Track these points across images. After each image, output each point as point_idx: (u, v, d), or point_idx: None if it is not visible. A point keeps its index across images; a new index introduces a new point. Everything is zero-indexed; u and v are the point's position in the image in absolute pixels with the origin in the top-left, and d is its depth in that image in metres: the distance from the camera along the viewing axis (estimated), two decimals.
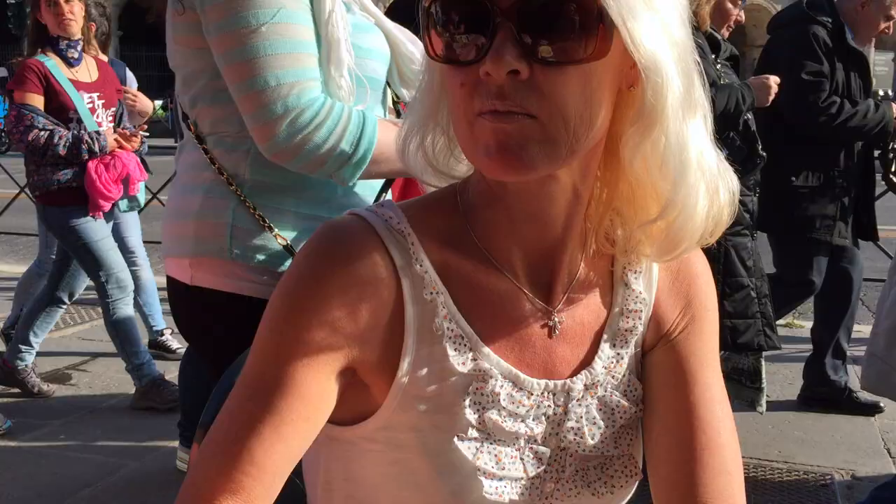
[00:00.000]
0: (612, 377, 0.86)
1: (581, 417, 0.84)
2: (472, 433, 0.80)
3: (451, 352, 0.79)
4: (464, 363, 0.79)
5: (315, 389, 0.75)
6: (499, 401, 0.80)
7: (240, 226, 1.41)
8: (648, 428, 0.88)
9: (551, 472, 0.84)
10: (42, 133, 3.50)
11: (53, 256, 4.08)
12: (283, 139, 1.32)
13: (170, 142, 21.26)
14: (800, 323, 5.35)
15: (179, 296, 1.51)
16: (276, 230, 1.41)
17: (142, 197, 4.01)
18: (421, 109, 0.82)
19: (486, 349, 0.80)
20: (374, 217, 0.80)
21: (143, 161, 3.98)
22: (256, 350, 0.77)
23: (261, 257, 1.41)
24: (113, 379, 4.16)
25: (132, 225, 4.19)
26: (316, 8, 1.38)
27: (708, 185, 0.78)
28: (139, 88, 4.45)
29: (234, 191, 1.42)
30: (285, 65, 1.32)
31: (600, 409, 0.85)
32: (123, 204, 3.84)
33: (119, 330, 3.82)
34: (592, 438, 0.84)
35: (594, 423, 0.85)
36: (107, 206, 3.70)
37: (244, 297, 1.41)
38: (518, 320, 0.83)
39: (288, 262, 1.39)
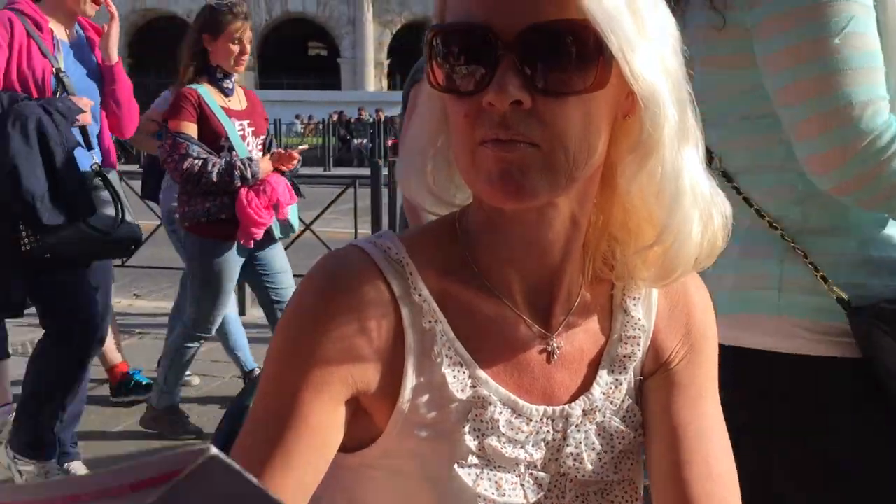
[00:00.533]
0: (611, 403, 0.87)
1: (580, 443, 0.85)
2: (473, 460, 0.81)
3: (450, 379, 0.80)
4: (463, 390, 0.81)
5: (322, 419, 0.77)
6: (498, 427, 0.82)
7: (790, 276, 1.27)
8: (649, 454, 0.89)
9: (551, 498, 0.85)
10: (196, 161, 3.45)
11: None
12: (854, 168, 1.16)
13: (319, 170, 21.36)
14: None
15: None
16: (830, 280, 1.24)
17: (294, 221, 3.85)
18: (422, 137, 0.84)
19: (485, 375, 0.82)
20: (373, 248, 0.82)
21: (293, 185, 3.86)
22: (263, 383, 0.79)
23: (814, 311, 1.26)
24: (121, 403, 4.17)
25: (280, 254, 3.94)
26: (881, 13, 1.21)
27: (702, 211, 0.79)
28: None
29: (779, 235, 1.27)
30: (859, 81, 1.16)
31: (599, 435, 0.86)
32: (276, 230, 3.72)
33: (177, 361, 3.75)
34: (591, 464, 0.85)
35: (593, 449, 0.86)
36: (259, 233, 3.60)
37: (792, 356, 1.27)
38: (517, 346, 0.84)
39: (843, 317, 1.25)
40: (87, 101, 3.12)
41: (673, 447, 0.87)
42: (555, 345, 0.85)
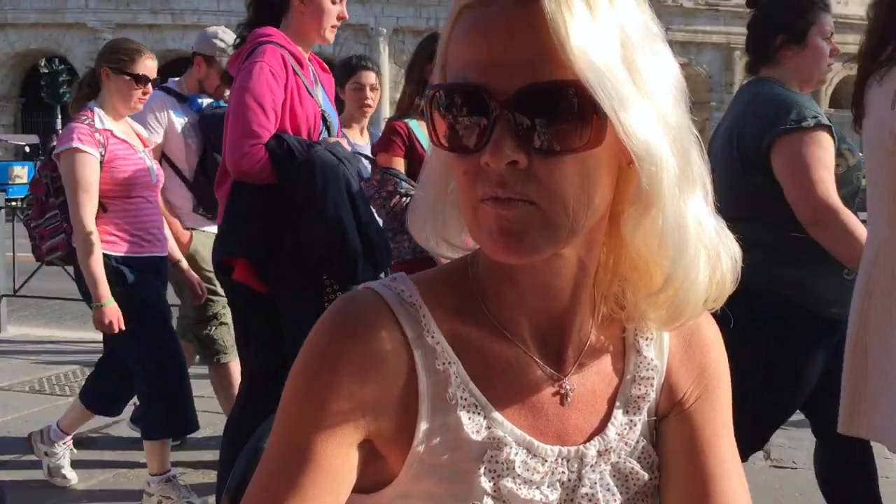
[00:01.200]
0: (626, 444, 0.87)
1: (595, 483, 0.85)
2: (488, 501, 0.81)
3: (465, 420, 0.80)
4: (478, 431, 0.81)
5: (336, 462, 0.77)
6: (514, 468, 0.82)
7: None
8: (664, 497, 0.89)
9: None
10: (404, 199, 3.30)
11: None
12: None
13: None
14: None
15: None
16: None
17: None
18: (431, 187, 0.85)
19: (500, 417, 0.82)
20: (387, 290, 0.83)
21: None
22: (278, 425, 0.80)
23: None
24: (135, 442, 4.16)
25: None
26: None
27: (709, 254, 0.80)
28: None
29: None
30: None
31: (614, 476, 0.86)
32: None
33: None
34: None
35: (608, 490, 0.85)
36: None
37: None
38: (530, 388, 0.84)
39: None
40: (345, 142, 3.07)
41: (688, 489, 0.86)
42: (568, 387, 0.85)
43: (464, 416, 0.80)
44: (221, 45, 3.92)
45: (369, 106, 4.16)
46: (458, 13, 0.76)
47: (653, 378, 0.88)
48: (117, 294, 3.19)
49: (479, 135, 0.72)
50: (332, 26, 2.91)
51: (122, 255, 3.27)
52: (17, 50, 31.97)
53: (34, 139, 26.46)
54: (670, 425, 0.90)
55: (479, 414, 0.81)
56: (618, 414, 0.87)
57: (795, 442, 4.15)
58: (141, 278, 3.31)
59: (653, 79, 0.74)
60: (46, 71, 25.38)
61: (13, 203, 10.39)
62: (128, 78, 3.28)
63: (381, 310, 0.81)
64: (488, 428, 0.81)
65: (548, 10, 0.69)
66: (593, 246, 0.81)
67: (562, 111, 0.70)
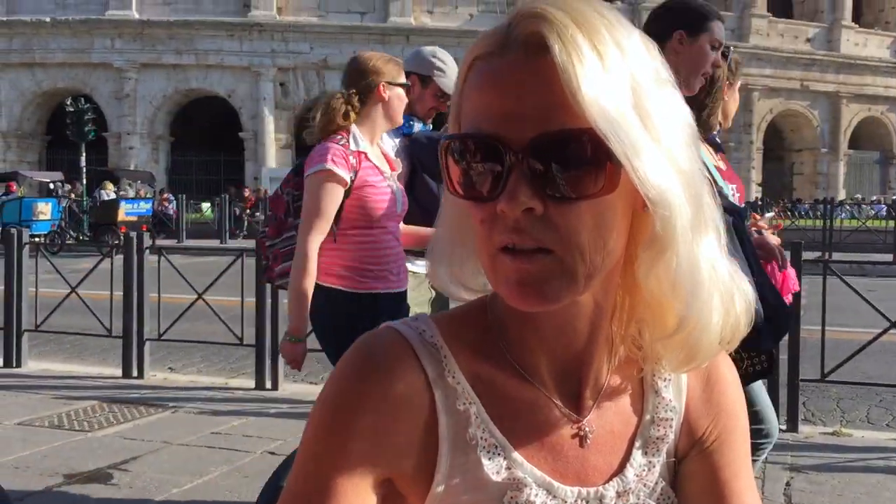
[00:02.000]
0: (645, 485, 0.87)
1: None
2: None
3: (485, 461, 0.81)
4: (498, 472, 0.81)
5: (356, 501, 0.78)
6: None
7: None
8: None
9: None
10: None
11: None
12: None
13: (215, 242, 21.78)
14: (847, 431, 5.21)
15: None
16: None
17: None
18: (447, 233, 0.86)
19: (520, 458, 0.82)
20: (409, 330, 0.84)
21: None
22: (298, 462, 0.81)
23: None
24: (153, 479, 4.17)
25: None
26: None
27: (722, 296, 0.80)
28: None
29: None
30: None
31: None
32: None
33: None
34: None
35: None
36: None
37: None
38: (549, 429, 0.85)
39: None
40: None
41: None
42: (587, 428, 0.86)
43: (484, 457, 0.81)
44: (439, 64, 3.71)
45: None
46: (470, 64, 0.78)
47: (671, 419, 0.89)
48: (346, 334, 2.94)
49: (494, 183, 0.74)
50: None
51: (354, 290, 3.01)
52: (43, 89, 32.59)
53: (59, 176, 26.81)
54: (689, 466, 0.90)
55: (499, 455, 0.82)
56: (637, 455, 0.88)
57: (816, 486, 4.10)
58: (375, 319, 2.91)
59: (664, 125, 0.75)
60: (72, 109, 25.77)
61: (37, 239, 10.51)
62: (401, 90, 3.13)
63: (403, 349, 0.82)
64: (508, 469, 0.82)
65: (558, 61, 0.70)
66: (609, 289, 0.82)
67: (576, 159, 0.72)
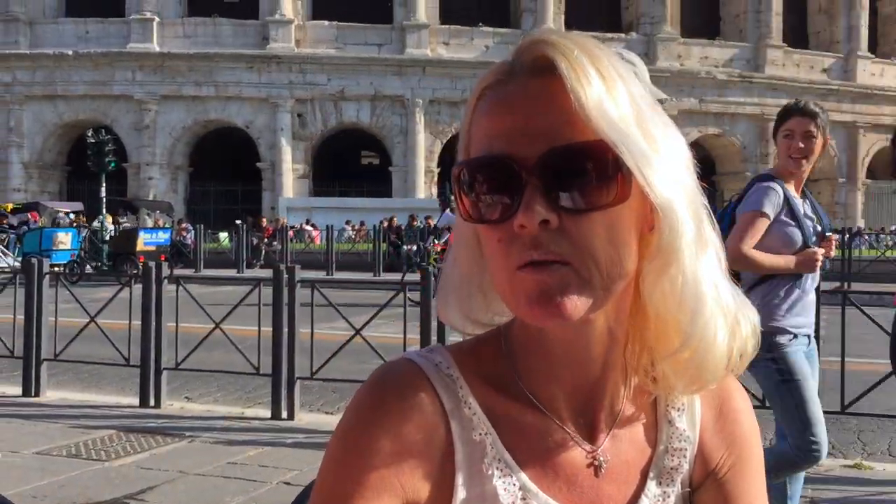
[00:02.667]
0: None
1: None
2: None
3: (500, 491, 0.82)
4: (514, 502, 0.82)
5: None
6: None
7: None
8: None
9: None
10: None
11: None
12: None
13: (232, 272, 21.89)
14: (868, 464, 5.14)
15: None
16: None
17: None
18: (458, 268, 0.88)
19: (535, 488, 0.83)
20: (425, 362, 0.85)
21: None
22: (316, 491, 0.82)
23: None
24: None
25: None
26: None
27: (727, 317, 0.82)
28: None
29: None
30: None
31: None
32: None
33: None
34: None
35: None
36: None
37: None
38: (564, 460, 0.85)
39: None
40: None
41: None
42: (601, 458, 0.86)
43: (500, 487, 0.82)
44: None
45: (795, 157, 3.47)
46: (480, 95, 0.81)
47: (686, 449, 0.89)
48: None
49: (509, 202, 0.76)
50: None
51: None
52: (65, 120, 33.05)
53: (79, 206, 27.08)
54: (704, 496, 0.90)
55: (514, 485, 0.82)
56: (651, 485, 0.88)
57: None
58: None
59: (664, 143, 0.78)
60: (93, 140, 26.09)
61: (56, 268, 10.60)
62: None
63: (420, 381, 0.83)
64: (524, 499, 0.82)
65: (566, 77, 0.74)
66: (621, 314, 0.83)
67: (587, 170, 0.74)
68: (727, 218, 3.49)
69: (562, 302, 0.75)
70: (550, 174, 0.74)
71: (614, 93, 0.75)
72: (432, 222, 25.02)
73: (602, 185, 0.75)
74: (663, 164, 0.76)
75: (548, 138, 0.74)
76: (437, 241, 17.37)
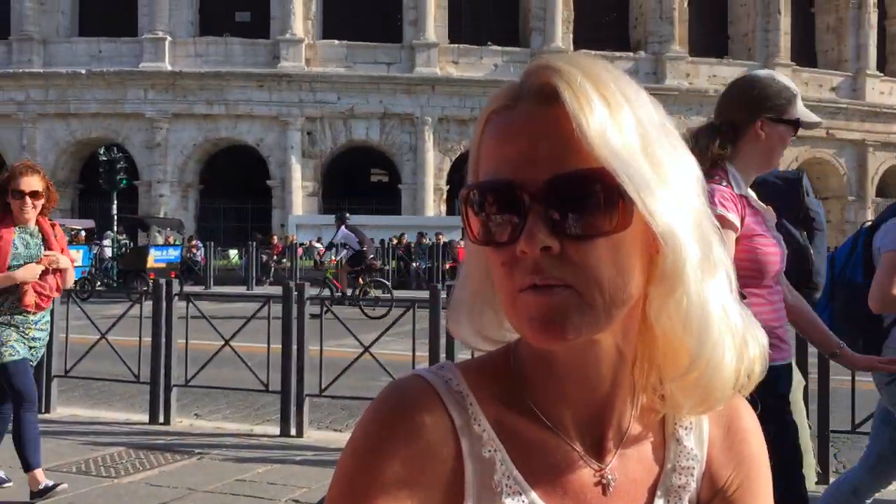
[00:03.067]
0: None
1: None
2: None
3: None
4: None
5: None
6: None
7: None
8: None
9: None
10: None
11: None
12: None
13: (242, 289, 21.94)
14: None
15: None
16: None
17: None
18: (469, 285, 0.89)
19: None
20: (436, 378, 0.86)
21: None
22: None
23: None
24: None
25: None
26: None
27: (734, 338, 0.83)
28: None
29: None
30: None
31: None
32: None
33: None
34: None
35: None
36: None
37: None
38: (572, 478, 0.86)
39: None
40: None
41: None
42: (609, 476, 0.87)
43: (508, 503, 0.83)
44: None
45: None
46: (487, 119, 0.82)
47: (693, 467, 0.90)
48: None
49: (513, 226, 0.77)
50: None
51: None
52: (77, 138, 33.24)
53: (90, 223, 27.20)
54: None
55: (523, 502, 0.83)
56: (659, 503, 0.89)
57: None
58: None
59: (673, 169, 0.79)
60: (105, 158, 26.28)
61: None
62: (785, 126, 2.68)
63: (430, 397, 0.84)
64: None
65: (569, 106, 0.75)
66: (629, 333, 0.84)
67: (589, 198, 0.76)
68: (860, 245, 3.31)
69: (563, 325, 0.76)
70: (553, 200, 0.76)
71: (619, 119, 0.76)
72: (443, 239, 25.06)
73: (604, 213, 0.76)
74: (668, 190, 0.77)
75: (551, 165, 0.76)
76: (333, 257, 17.58)
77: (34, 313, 4.56)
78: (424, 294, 7.37)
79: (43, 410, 7.02)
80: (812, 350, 4.74)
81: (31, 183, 4.52)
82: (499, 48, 33.56)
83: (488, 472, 0.83)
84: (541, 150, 0.77)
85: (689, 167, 0.82)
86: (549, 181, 0.76)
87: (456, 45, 33.75)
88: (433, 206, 33.31)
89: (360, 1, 34.24)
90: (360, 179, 37.57)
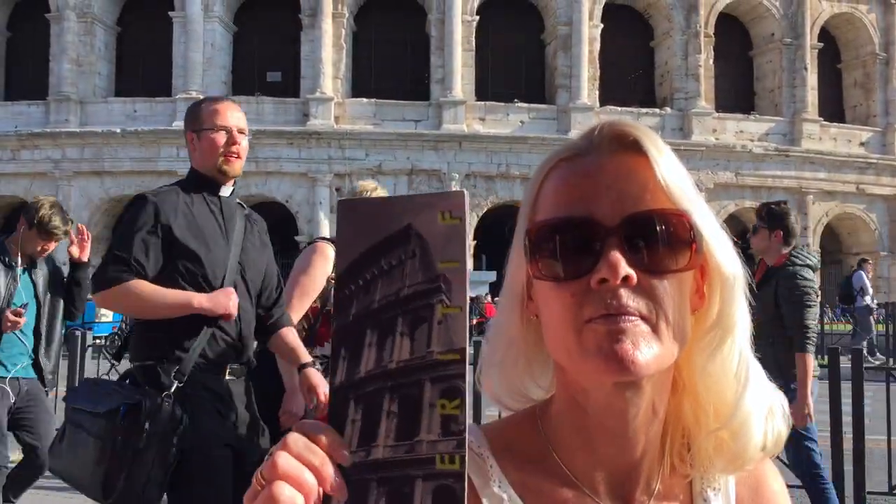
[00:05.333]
0: None
1: None
2: None
3: None
4: None
5: None
6: None
7: None
8: None
9: None
10: None
11: None
12: None
13: None
14: None
15: None
16: None
17: None
18: (505, 333, 0.90)
19: None
20: None
21: None
22: None
23: None
24: None
25: None
26: None
27: (764, 396, 0.84)
28: None
29: None
30: None
31: None
32: None
33: None
34: None
35: None
36: None
37: None
38: None
39: None
40: None
41: None
42: None
43: None
44: None
45: None
46: (554, 165, 0.85)
47: None
48: None
49: (588, 259, 0.79)
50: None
51: None
52: (111, 195, 33.87)
53: None
54: None
55: None
56: None
57: None
58: None
59: (716, 222, 0.83)
60: None
61: (98, 340, 10.73)
62: None
63: None
64: None
65: (648, 151, 0.80)
66: (664, 389, 0.85)
67: (667, 236, 0.79)
68: None
69: (634, 353, 0.78)
70: (631, 236, 0.79)
71: (681, 172, 0.81)
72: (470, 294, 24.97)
73: (678, 251, 0.79)
74: (723, 239, 0.82)
75: (630, 203, 0.80)
76: None
77: None
78: None
79: None
80: (847, 409, 4.66)
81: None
82: (525, 105, 33.88)
83: None
84: (616, 191, 0.80)
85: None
86: (628, 217, 0.79)
87: (482, 103, 34.13)
88: None
89: (389, 60, 34.91)
90: None
